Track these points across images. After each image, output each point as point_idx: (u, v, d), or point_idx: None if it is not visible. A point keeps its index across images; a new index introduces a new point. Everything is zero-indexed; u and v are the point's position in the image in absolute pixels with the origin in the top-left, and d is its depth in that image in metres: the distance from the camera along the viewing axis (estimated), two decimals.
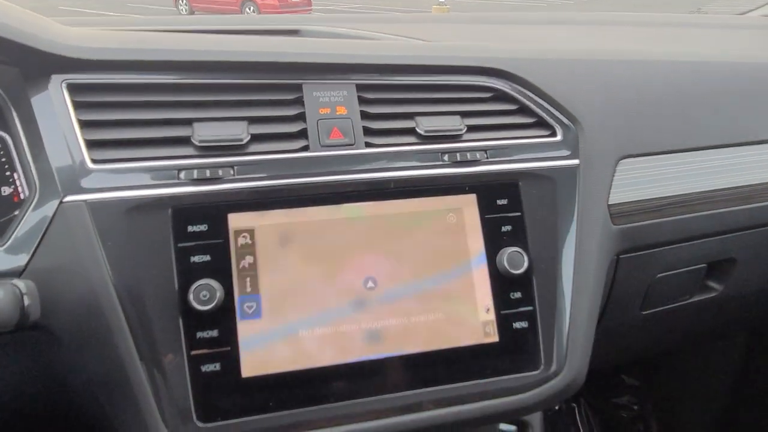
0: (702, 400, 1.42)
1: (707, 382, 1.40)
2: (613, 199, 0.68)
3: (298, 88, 0.63)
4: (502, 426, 0.68)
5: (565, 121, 0.68)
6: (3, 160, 0.61)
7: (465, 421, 0.59)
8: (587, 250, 0.64)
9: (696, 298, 0.83)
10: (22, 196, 0.61)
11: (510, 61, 0.68)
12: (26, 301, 0.43)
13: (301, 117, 0.62)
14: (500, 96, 0.68)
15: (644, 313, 0.80)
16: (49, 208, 0.54)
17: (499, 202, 0.63)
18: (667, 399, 1.52)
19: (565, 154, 0.66)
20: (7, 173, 0.61)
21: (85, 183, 0.54)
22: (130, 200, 0.55)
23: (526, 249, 0.62)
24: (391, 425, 0.57)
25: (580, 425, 1.51)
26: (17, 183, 0.61)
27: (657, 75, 0.75)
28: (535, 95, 0.68)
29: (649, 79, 0.74)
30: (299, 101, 0.63)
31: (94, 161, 0.55)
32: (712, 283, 0.84)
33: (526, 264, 0.61)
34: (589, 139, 0.67)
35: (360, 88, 0.64)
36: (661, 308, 0.81)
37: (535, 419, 0.68)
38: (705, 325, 0.94)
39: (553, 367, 0.61)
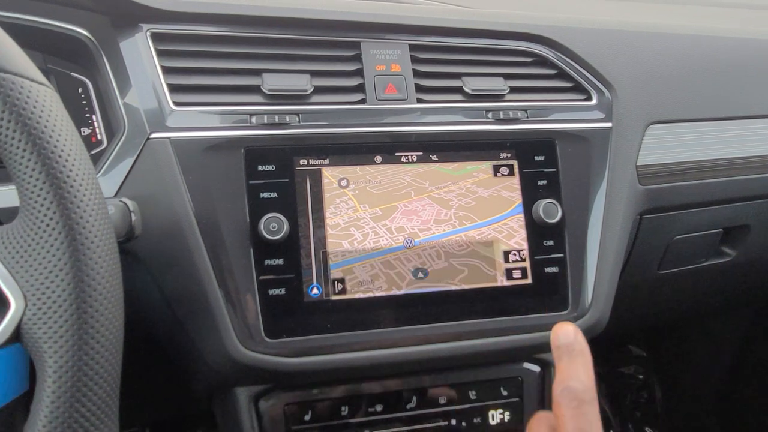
0: (704, 372, 1.48)
1: (710, 355, 1.46)
2: (641, 161, 0.73)
3: (357, 45, 0.69)
4: (527, 365, 0.74)
5: (600, 86, 0.73)
6: (83, 103, 0.68)
7: (500, 351, 0.65)
8: (615, 207, 0.70)
9: (710, 262, 0.89)
10: (99, 137, 0.68)
11: (552, 28, 0.73)
12: (133, 217, 0.49)
13: (359, 72, 0.68)
14: (541, 61, 0.73)
15: (661, 272, 0.86)
16: (137, 143, 0.60)
17: (537, 158, 0.69)
18: (672, 369, 1.59)
19: (599, 117, 0.72)
20: (87, 115, 0.68)
21: (169, 122, 0.60)
22: (208, 139, 0.61)
23: (560, 201, 0.67)
24: (435, 351, 0.64)
25: None
26: (95, 125, 0.67)
27: (689, 48, 0.80)
28: (574, 61, 0.73)
29: (681, 51, 0.80)
30: (357, 58, 0.68)
31: (176, 104, 0.61)
32: (726, 249, 0.90)
33: (559, 215, 0.66)
34: (621, 105, 0.73)
35: (413, 47, 0.70)
36: (678, 269, 0.87)
37: None
38: (717, 290, 1.00)
39: (580, 309, 0.67)
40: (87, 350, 0.36)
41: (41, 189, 0.36)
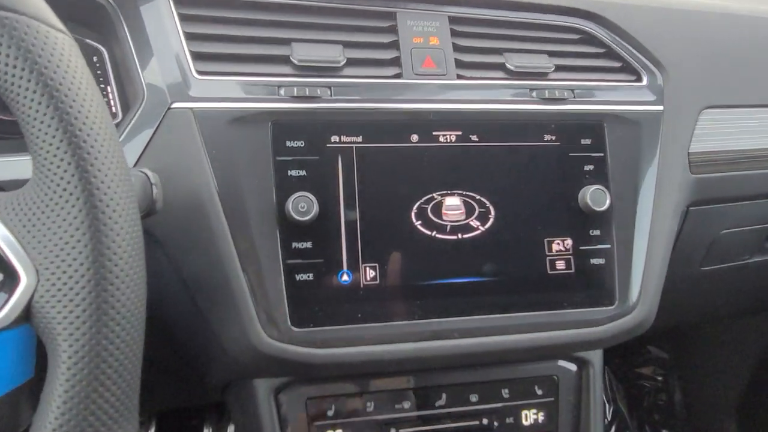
0: (726, 376, 1.44)
1: (733, 358, 1.41)
2: (694, 148, 0.68)
3: (393, 16, 0.64)
4: (562, 363, 0.70)
5: (652, 67, 0.68)
6: (98, 72, 0.63)
7: (539, 347, 0.61)
8: (666, 196, 0.65)
9: (755, 259, 0.84)
10: (114, 109, 0.63)
11: (601, 4, 0.68)
12: (154, 191, 0.45)
13: (394, 45, 0.63)
14: (588, 38, 0.68)
15: (703, 269, 0.81)
16: (157, 113, 0.55)
17: (584, 141, 0.64)
18: (692, 372, 1.54)
19: (650, 100, 0.67)
20: (101, 86, 0.63)
21: (192, 92, 0.56)
22: (233, 111, 0.56)
23: (608, 188, 0.63)
24: (470, 346, 0.59)
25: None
26: (110, 97, 0.63)
27: (747, 30, 0.75)
28: (624, 40, 0.68)
29: (739, 33, 0.74)
30: (393, 29, 0.63)
31: (199, 72, 0.57)
32: None
33: (607, 202, 0.62)
34: (674, 87, 0.68)
35: (452, 20, 0.65)
36: (721, 266, 0.82)
37: (596, 358, 0.69)
38: (757, 289, 0.95)
39: (627, 305, 0.63)
40: (106, 333, 0.31)
41: (57, 148, 0.31)
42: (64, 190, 0.31)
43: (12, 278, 0.31)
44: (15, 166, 0.52)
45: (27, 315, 0.32)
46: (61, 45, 0.33)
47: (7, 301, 0.31)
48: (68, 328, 0.31)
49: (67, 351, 0.31)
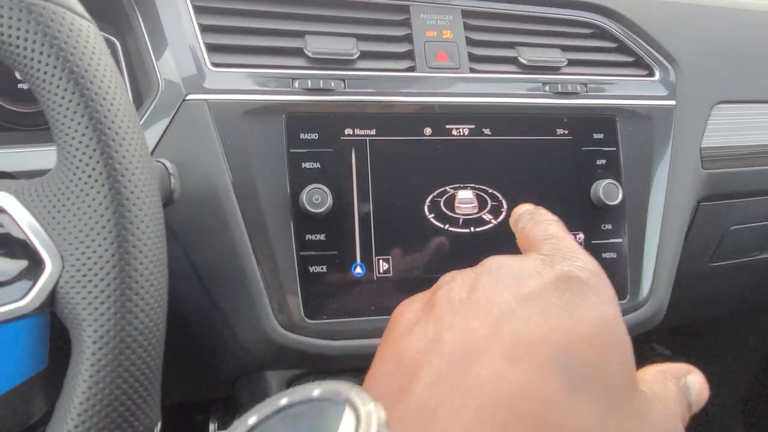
0: (731, 375, 1.43)
1: (737, 357, 1.41)
2: (706, 142, 0.68)
3: (406, 9, 0.64)
4: None
5: (664, 62, 0.68)
6: None
7: None
8: (677, 191, 0.65)
9: (764, 255, 0.84)
10: None
11: None
12: (173, 181, 0.45)
13: (407, 38, 0.63)
14: (600, 33, 0.68)
15: (712, 264, 0.81)
16: (172, 104, 0.55)
17: (596, 135, 0.64)
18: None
19: (662, 94, 0.67)
20: None
21: (206, 84, 0.56)
22: (247, 103, 0.56)
23: (620, 182, 0.63)
24: None
25: None
26: None
27: (760, 25, 0.75)
28: (636, 34, 0.68)
29: (752, 28, 0.74)
30: (406, 22, 0.64)
31: (214, 64, 0.57)
32: None
33: (620, 197, 0.62)
34: (686, 82, 0.68)
35: (465, 14, 0.65)
36: (730, 261, 0.82)
37: None
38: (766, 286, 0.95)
39: (638, 299, 0.63)
40: (130, 319, 0.32)
41: (83, 135, 0.32)
42: (89, 176, 0.31)
43: (37, 265, 0.32)
44: (36, 156, 0.52)
45: (51, 301, 0.32)
46: (86, 33, 0.33)
47: (32, 288, 0.31)
48: (93, 314, 0.31)
49: (92, 336, 0.31)
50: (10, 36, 0.31)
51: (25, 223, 0.32)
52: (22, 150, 0.52)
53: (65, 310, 0.32)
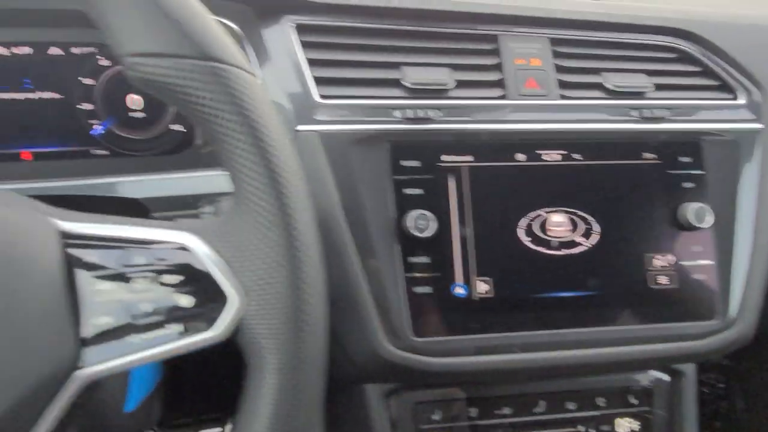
0: None
1: None
2: None
3: (494, 39, 0.67)
4: (654, 373, 0.71)
5: (749, 85, 0.69)
6: None
7: (641, 360, 0.63)
8: (766, 212, 0.66)
9: None
10: None
11: (697, 23, 0.70)
12: None
13: (497, 67, 0.66)
14: (684, 57, 0.70)
15: None
16: None
17: (683, 159, 0.66)
18: (755, 380, 1.52)
19: (749, 118, 0.68)
20: None
21: (317, 115, 0.60)
22: (354, 133, 0.60)
23: (708, 205, 0.64)
24: (571, 357, 0.62)
25: None
26: None
27: None
28: (720, 58, 0.70)
29: None
30: (496, 52, 0.66)
31: (322, 96, 0.61)
32: None
33: (709, 219, 0.63)
34: None
35: (554, 42, 0.67)
36: None
37: (690, 369, 0.71)
38: None
39: (726, 320, 0.64)
40: (304, 348, 0.35)
41: (262, 183, 0.35)
42: (270, 221, 0.35)
43: (223, 300, 0.35)
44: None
45: (235, 332, 0.36)
46: (255, 88, 0.37)
47: (218, 319, 0.35)
48: (274, 343, 0.35)
49: (274, 363, 0.35)
50: (197, 96, 0.35)
51: (209, 260, 0.36)
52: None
53: (246, 340, 0.36)
